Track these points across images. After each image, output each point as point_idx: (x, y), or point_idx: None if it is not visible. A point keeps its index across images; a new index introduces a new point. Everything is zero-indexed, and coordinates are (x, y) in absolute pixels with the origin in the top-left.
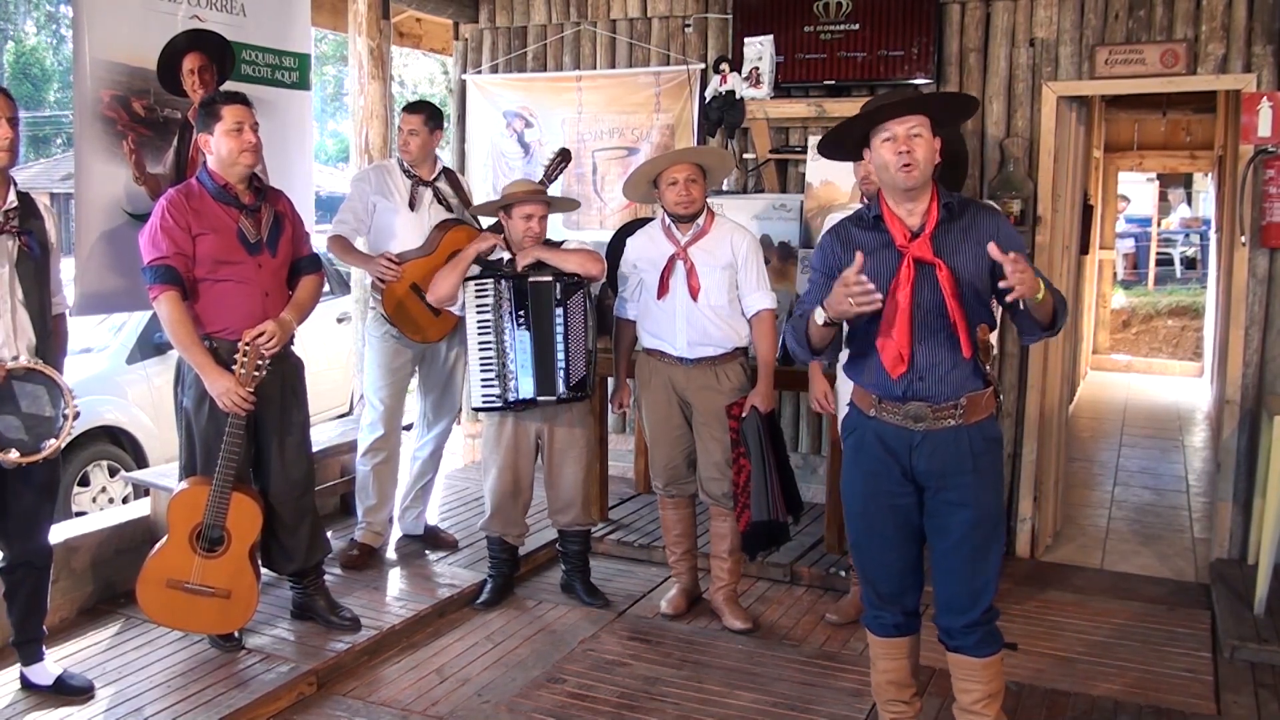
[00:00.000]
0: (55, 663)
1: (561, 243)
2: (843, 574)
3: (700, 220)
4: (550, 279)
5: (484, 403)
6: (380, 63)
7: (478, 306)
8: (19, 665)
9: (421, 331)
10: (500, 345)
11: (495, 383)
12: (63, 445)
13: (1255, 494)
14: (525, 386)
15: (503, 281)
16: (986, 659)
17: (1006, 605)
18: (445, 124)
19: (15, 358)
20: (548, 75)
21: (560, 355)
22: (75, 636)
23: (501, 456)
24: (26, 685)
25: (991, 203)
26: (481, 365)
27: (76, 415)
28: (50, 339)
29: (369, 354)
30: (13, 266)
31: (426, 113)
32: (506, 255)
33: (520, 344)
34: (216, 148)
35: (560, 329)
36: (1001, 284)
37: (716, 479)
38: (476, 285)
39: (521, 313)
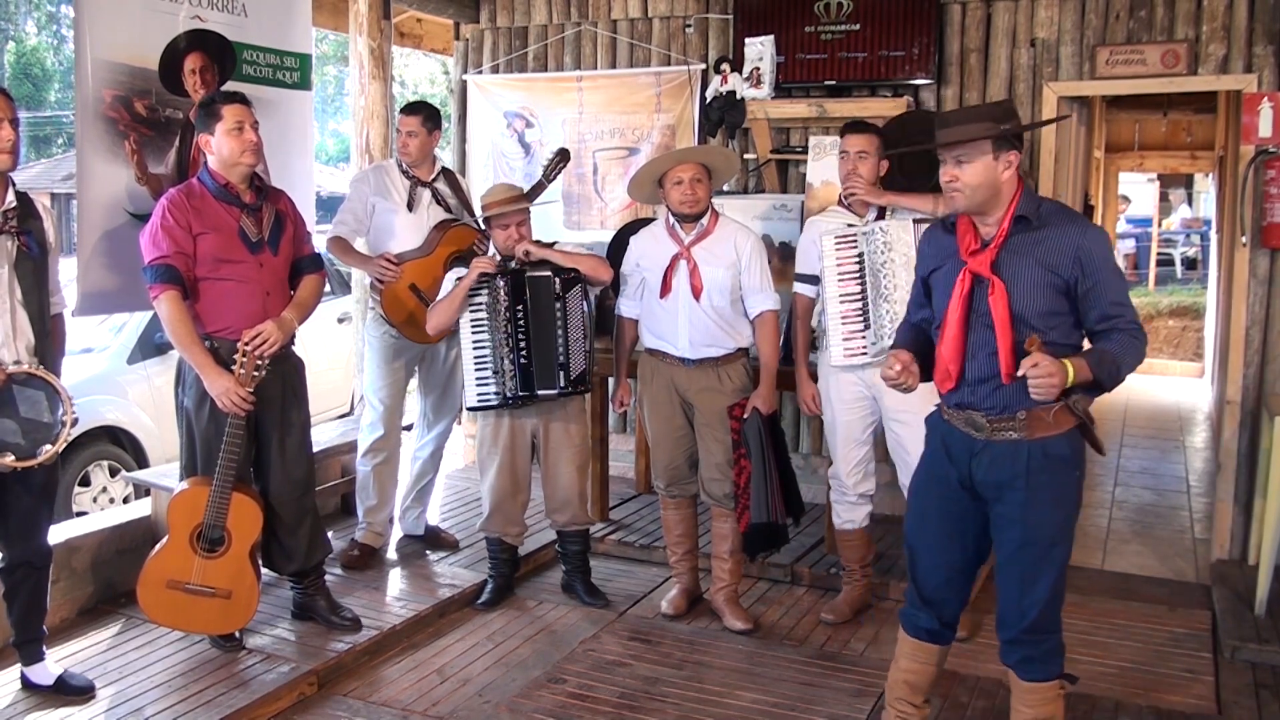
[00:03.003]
0: (56, 663)
1: (554, 243)
2: (841, 574)
3: (704, 220)
4: (549, 273)
5: (479, 401)
6: (381, 63)
7: (471, 307)
8: (20, 665)
9: (421, 332)
10: (496, 342)
11: (491, 380)
12: (59, 451)
13: (1256, 494)
14: (524, 381)
15: (499, 279)
16: (1032, 684)
17: None
18: (444, 124)
19: (16, 361)
20: (548, 75)
21: (560, 348)
22: (76, 636)
23: (498, 456)
24: (27, 685)
25: (1073, 210)
26: (477, 364)
27: (75, 422)
28: (48, 339)
29: (369, 354)
30: (12, 267)
31: (425, 113)
32: (499, 256)
33: (519, 339)
34: (218, 148)
35: (560, 323)
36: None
37: (718, 479)
38: (470, 287)
39: (520, 308)
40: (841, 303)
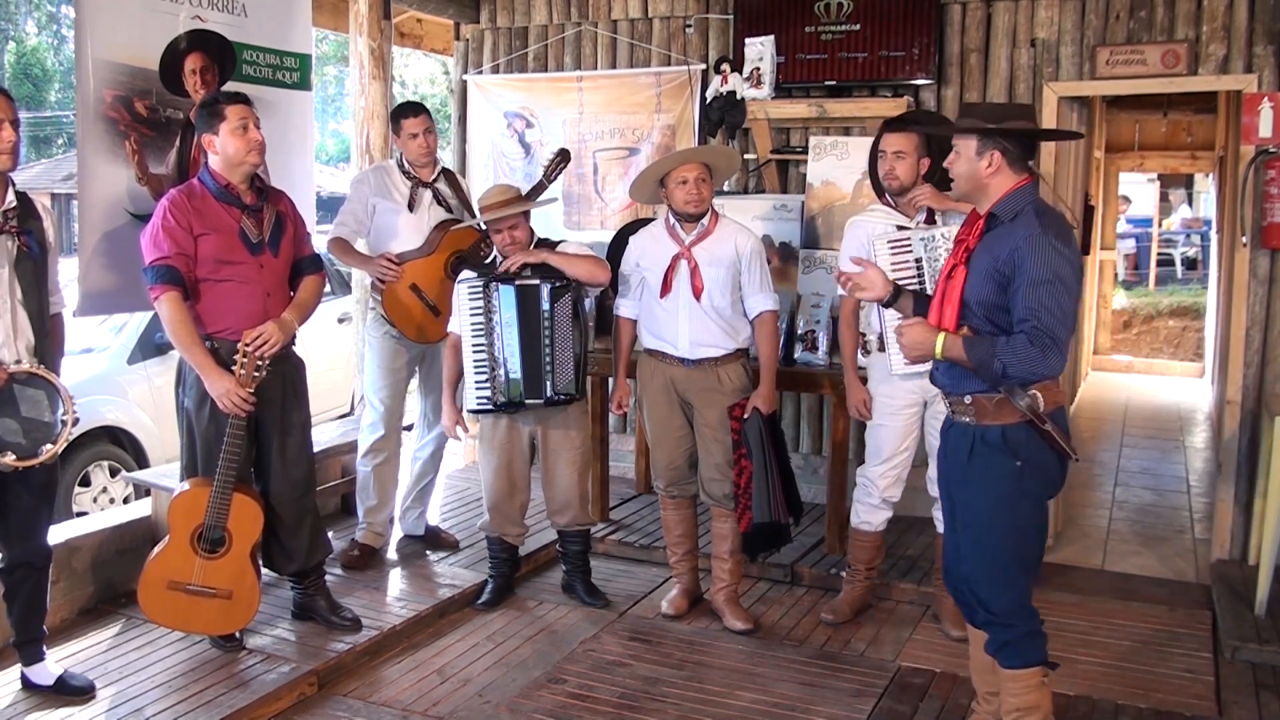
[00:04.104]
0: (56, 663)
1: (559, 243)
2: (842, 574)
3: (705, 220)
4: (537, 282)
5: (478, 404)
6: (381, 63)
7: (471, 309)
8: (20, 665)
9: (421, 332)
10: (491, 347)
11: (487, 385)
12: (60, 451)
13: (1256, 495)
14: (514, 389)
15: (493, 284)
16: (1011, 671)
17: None
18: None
19: (18, 361)
20: (549, 76)
21: (546, 358)
22: (76, 637)
23: (496, 458)
24: (27, 685)
25: (1052, 221)
26: (475, 367)
27: (75, 421)
28: (48, 339)
29: (369, 354)
30: (12, 267)
31: (428, 112)
32: (501, 256)
33: (509, 346)
34: (223, 147)
35: (547, 332)
36: None
37: (718, 480)
38: (469, 288)
39: (510, 315)
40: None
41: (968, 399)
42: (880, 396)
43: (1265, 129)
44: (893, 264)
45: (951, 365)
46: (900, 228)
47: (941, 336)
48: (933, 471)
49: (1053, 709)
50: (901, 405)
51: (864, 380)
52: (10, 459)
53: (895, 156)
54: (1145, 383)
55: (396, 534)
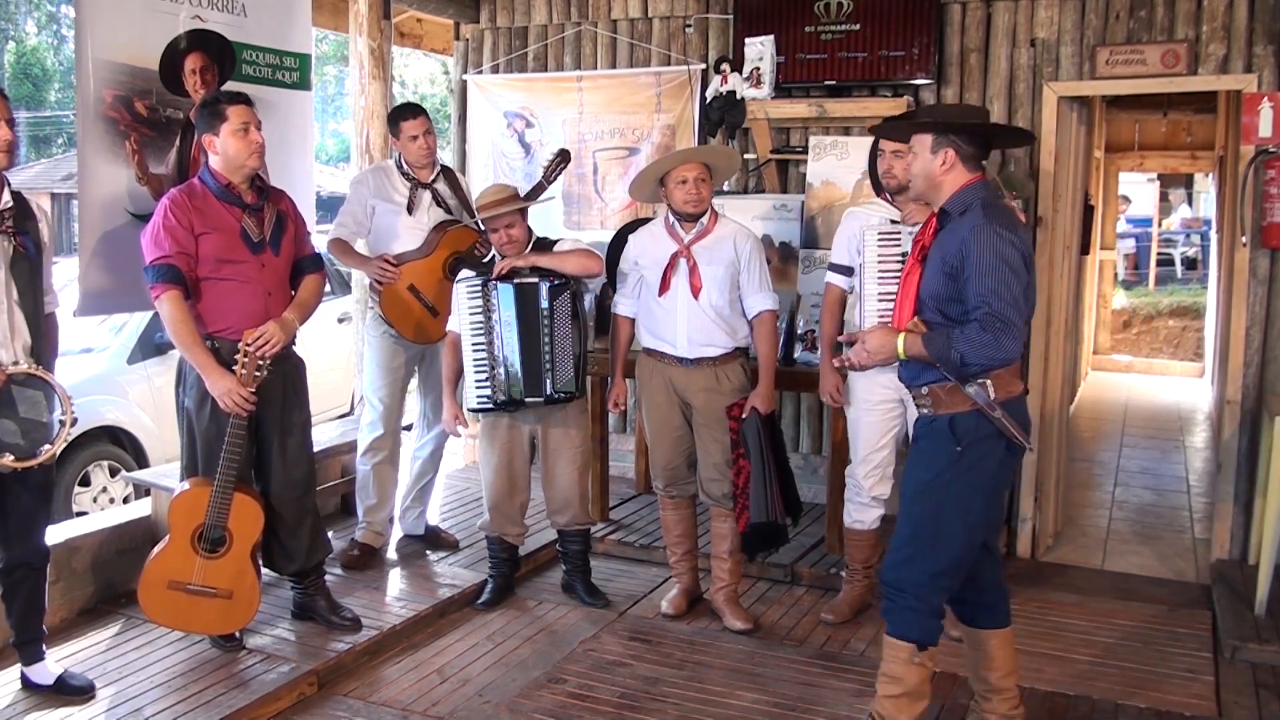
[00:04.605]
0: (56, 662)
1: (556, 242)
2: (841, 574)
3: (704, 219)
4: (535, 281)
5: (478, 403)
6: (381, 63)
7: (470, 308)
8: (20, 665)
9: (419, 332)
10: (491, 346)
11: (488, 384)
12: (58, 452)
13: (1256, 494)
14: (514, 387)
15: (492, 283)
16: (888, 636)
17: None
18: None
19: (15, 362)
20: (548, 75)
21: (546, 357)
22: (76, 636)
23: (496, 457)
24: (27, 685)
25: (997, 213)
26: (475, 366)
27: (74, 422)
28: (42, 339)
29: (368, 354)
30: (8, 267)
31: (427, 113)
32: (500, 256)
33: (508, 346)
34: (223, 148)
35: (546, 331)
36: None
37: (716, 480)
38: (468, 287)
39: (509, 314)
40: (880, 301)
41: (925, 390)
42: (858, 392)
43: (1265, 129)
44: (880, 256)
45: (907, 362)
46: (893, 222)
47: (902, 337)
48: None
49: (928, 694)
50: (878, 400)
51: (844, 376)
52: (9, 460)
53: (894, 155)
54: (1145, 382)
55: (396, 534)
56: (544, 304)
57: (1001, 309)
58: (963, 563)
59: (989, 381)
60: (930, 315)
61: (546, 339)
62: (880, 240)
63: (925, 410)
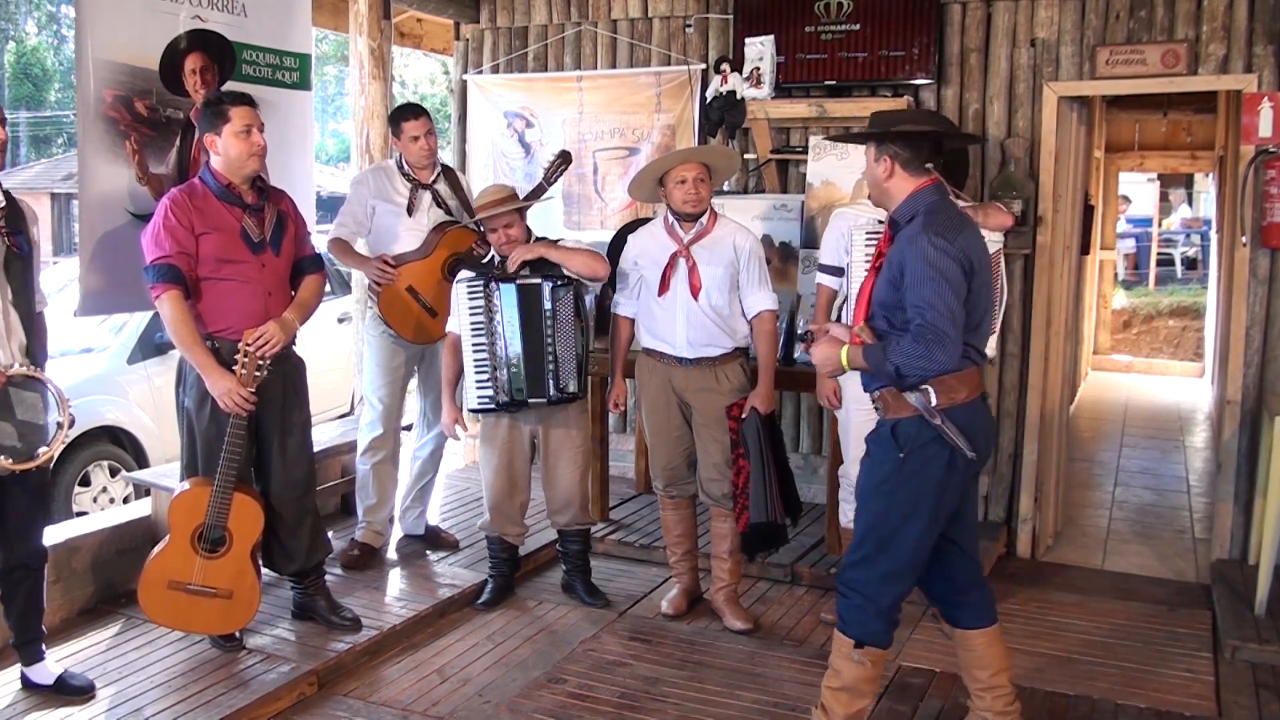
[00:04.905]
0: (56, 663)
1: (558, 241)
2: None
3: (703, 219)
4: (538, 281)
5: (479, 404)
6: (381, 63)
7: (470, 308)
8: (20, 665)
9: (418, 333)
10: (492, 346)
11: (489, 384)
12: (56, 454)
13: (1256, 494)
14: (516, 388)
15: (494, 283)
16: (837, 631)
17: (1007, 605)
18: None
19: (12, 364)
20: (548, 75)
21: (549, 357)
22: (76, 636)
23: (497, 457)
24: (27, 685)
25: (938, 221)
26: (476, 367)
27: (71, 423)
28: (36, 339)
29: (367, 354)
30: (3, 268)
31: (428, 114)
32: (499, 256)
33: (511, 345)
34: (225, 149)
35: (549, 331)
36: None
37: (716, 480)
38: (468, 287)
39: (512, 314)
40: None
41: (875, 394)
42: (849, 392)
43: (1265, 129)
44: (868, 255)
45: (854, 370)
46: (880, 222)
47: (845, 349)
48: None
49: (870, 694)
50: (866, 397)
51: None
52: (6, 463)
53: None
54: (1145, 382)
55: (396, 534)
56: (547, 304)
57: (934, 319)
58: (914, 566)
59: (930, 388)
60: (878, 323)
61: (550, 339)
62: (868, 240)
63: (879, 414)
